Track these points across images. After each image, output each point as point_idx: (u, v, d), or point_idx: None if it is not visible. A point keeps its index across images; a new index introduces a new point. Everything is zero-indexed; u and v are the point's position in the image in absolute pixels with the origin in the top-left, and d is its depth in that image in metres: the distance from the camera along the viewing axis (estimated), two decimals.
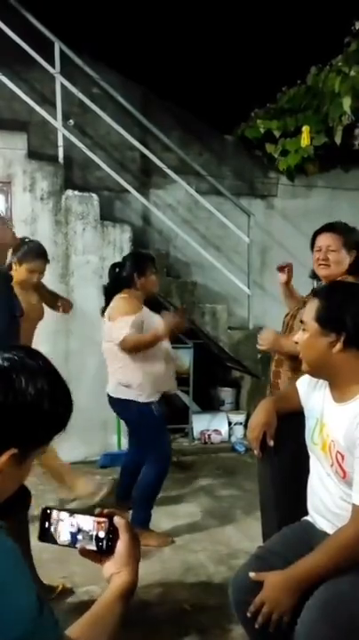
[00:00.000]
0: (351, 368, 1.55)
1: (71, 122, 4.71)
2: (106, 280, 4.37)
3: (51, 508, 1.06)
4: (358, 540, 1.48)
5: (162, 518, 3.34)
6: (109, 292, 3.18)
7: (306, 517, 1.77)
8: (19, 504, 2.12)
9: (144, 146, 4.89)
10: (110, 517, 1.04)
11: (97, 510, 1.07)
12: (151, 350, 3.00)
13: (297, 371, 2.21)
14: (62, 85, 4.57)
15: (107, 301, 3.16)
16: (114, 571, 1.02)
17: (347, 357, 1.54)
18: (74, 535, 1.04)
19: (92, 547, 1.04)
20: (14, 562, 0.88)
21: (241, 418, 4.91)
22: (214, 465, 4.25)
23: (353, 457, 1.51)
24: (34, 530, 1.30)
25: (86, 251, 4.42)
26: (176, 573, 2.74)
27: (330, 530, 1.62)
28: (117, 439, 4.49)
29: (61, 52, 4.57)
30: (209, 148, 5.50)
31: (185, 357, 4.76)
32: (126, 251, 4.50)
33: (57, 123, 4.52)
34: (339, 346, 1.53)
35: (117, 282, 3.14)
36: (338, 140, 3.89)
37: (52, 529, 1.05)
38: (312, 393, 1.74)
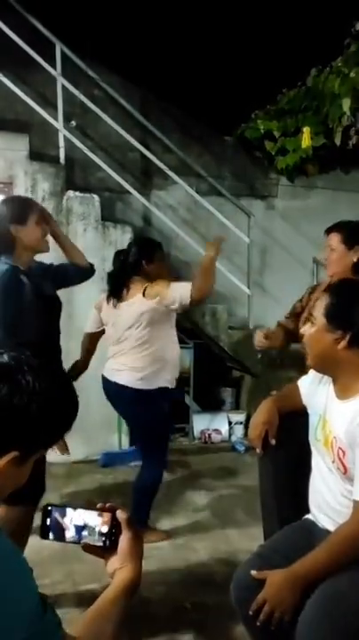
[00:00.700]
0: (354, 365, 1.58)
1: (73, 123, 4.73)
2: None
3: (52, 505, 1.05)
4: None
5: (162, 517, 3.36)
6: (115, 280, 3.00)
7: (307, 516, 1.79)
8: (31, 495, 2.11)
9: (145, 147, 4.92)
10: (113, 512, 1.04)
11: (99, 505, 1.06)
12: (172, 336, 2.96)
13: None
14: (63, 87, 4.59)
15: (114, 288, 2.98)
16: (117, 566, 1.02)
17: (352, 355, 1.57)
18: (76, 531, 1.03)
19: (96, 542, 1.03)
20: (16, 564, 0.87)
21: (241, 417, 4.93)
22: (214, 464, 4.26)
23: (354, 453, 1.53)
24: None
25: (87, 251, 4.35)
26: (176, 572, 2.75)
27: (331, 527, 1.64)
28: (118, 438, 4.50)
29: (62, 53, 4.60)
30: (209, 150, 5.52)
31: (185, 357, 4.77)
32: None
33: (58, 124, 4.54)
34: (344, 343, 1.56)
35: (123, 269, 2.96)
36: (337, 141, 3.91)
37: (54, 526, 1.04)
38: (316, 390, 1.76)
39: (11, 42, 4.34)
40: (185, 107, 5.27)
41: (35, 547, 2.13)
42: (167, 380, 2.99)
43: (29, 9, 4.51)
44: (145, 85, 5.21)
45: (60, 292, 4.01)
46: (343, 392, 1.62)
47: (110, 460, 4.25)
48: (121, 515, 1.04)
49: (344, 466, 1.56)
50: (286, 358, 5.48)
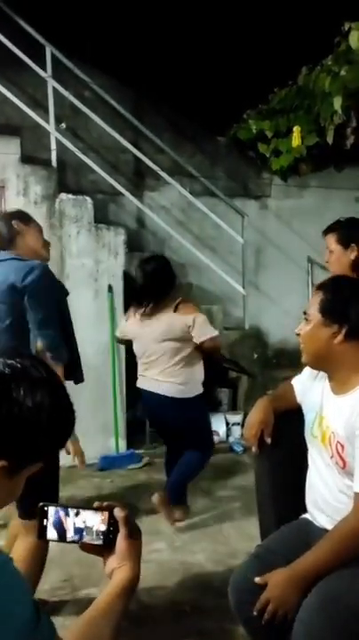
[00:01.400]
0: (351, 359, 1.58)
1: (63, 125, 4.71)
2: (101, 283, 4.43)
3: (48, 505, 1.03)
4: None
5: (160, 519, 3.34)
6: (148, 290, 3.09)
7: (304, 515, 1.78)
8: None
9: (137, 148, 4.91)
10: (110, 510, 1.02)
11: (96, 504, 1.04)
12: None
13: None
14: (54, 89, 4.58)
15: (147, 298, 3.07)
16: (115, 565, 1.00)
17: (348, 349, 1.57)
18: (74, 531, 1.01)
19: (93, 541, 1.01)
20: (9, 576, 0.85)
21: (238, 418, 4.92)
22: (212, 465, 4.22)
23: (352, 447, 1.52)
24: None
25: (81, 254, 4.42)
26: (175, 574, 2.74)
27: (329, 525, 1.63)
28: (115, 442, 4.48)
29: (52, 55, 4.58)
30: (202, 150, 5.52)
31: None
32: (121, 254, 4.51)
33: (49, 126, 4.53)
34: (340, 337, 1.57)
35: (160, 285, 3.07)
36: (329, 139, 3.90)
37: (51, 526, 1.02)
38: (310, 388, 1.76)
39: (1, 44, 4.33)
40: (177, 107, 5.26)
41: None
42: (201, 383, 3.20)
43: (19, 11, 4.49)
44: (136, 86, 5.20)
45: None
46: (339, 387, 1.62)
47: (108, 463, 4.23)
48: (118, 513, 1.01)
49: (343, 460, 1.56)
50: (283, 359, 5.49)
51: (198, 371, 3.17)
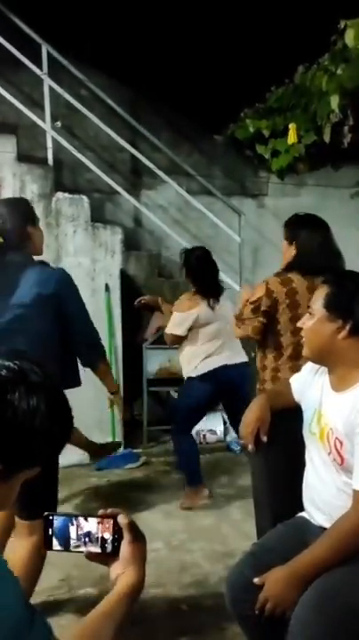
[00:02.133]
0: (353, 355, 1.58)
1: (58, 124, 4.70)
2: (98, 282, 4.42)
3: (53, 515, 1.03)
4: None
5: (157, 518, 3.34)
6: (213, 279, 3.51)
7: (301, 513, 1.77)
8: (47, 506, 2.07)
9: (133, 147, 4.90)
10: (114, 517, 1.02)
11: (100, 512, 1.04)
12: None
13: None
14: (50, 87, 4.56)
15: (217, 288, 3.49)
16: (120, 571, 1.00)
17: (351, 344, 1.57)
18: (79, 540, 1.01)
19: (98, 549, 1.01)
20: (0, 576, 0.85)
21: None
22: (209, 464, 4.23)
23: (352, 444, 1.52)
24: None
25: (77, 253, 4.41)
26: (172, 573, 2.73)
27: (326, 523, 1.62)
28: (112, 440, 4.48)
29: (49, 54, 4.57)
30: (199, 149, 5.51)
31: (178, 358, 4.75)
32: (118, 252, 4.51)
33: (46, 125, 4.52)
34: (344, 332, 1.56)
35: (215, 270, 3.59)
36: (326, 138, 3.90)
37: (57, 535, 1.02)
38: (309, 385, 1.75)
39: None
40: (174, 106, 5.25)
41: None
42: None
43: (15, 10, 4.48)
44: (133, 85, 5.19)
45: None
46: (339, 383, 1.61)
47: (105, 463, 4.22)
48: (122, 520, 1.01)
49: (341, 457, 1.55)
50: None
51: None
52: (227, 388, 3.53)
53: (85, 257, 4.42)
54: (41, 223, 4.32)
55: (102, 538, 1.01)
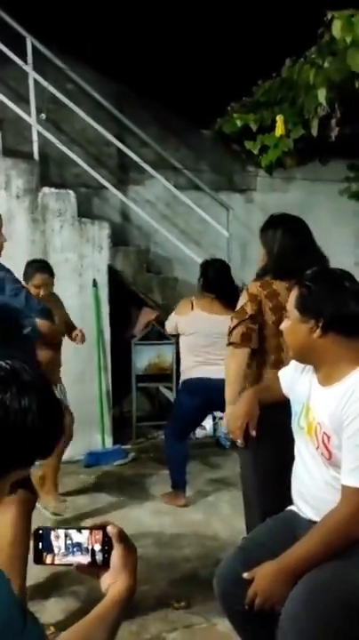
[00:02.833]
0: (333, 352, 1.57)
1: (43, 116, 4.65)
2: (85, 278, 4.39)
3: (43, 528, 1.03)
4: (349, 521, 1.47)
5: (147, 514, 3.33)
6: (229, 289, 3.43)
7: (290, 507, 1.77)
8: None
9: (120, 141, 4.86)
10: (103, 528, 1.01)
11: (89, 523, 1.04)
12: None
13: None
14: (36, 81, 4.51)
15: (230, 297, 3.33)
16: (110, 581, 0.99)
17: (328, 342, 1.56)
18: (69, 553, 1.01)
19: (88, 560, 1.01)
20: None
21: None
22: (199, 460, 4.23)
23: (339, 438, 1.51)
24: None
25: (64, 249, 4.37)
26: (162, 570, 2.72)
27: (314, 517, 1.62)
28: (101, 438, 4.46)
29: (34, 47, 4.51)
30: (186, 143, 5.48)
31: (167, 353, 4.74)
32: (105, 248, 4.47)
33: (31, 119, 4.46)
34: (318, 331, 1.56)
35: (231, 281, 3.57)
36: (314, 131, 3.89)
37: (47, 549, 1.01)
38: (298, 380, 1.74)
39: None
40: (160, 99, 5.21)
41: None
42: None
43: None
44: (119, 78, 5.15)
45: None
46: (326, 379, 1.61)
47: (94, 459, 4.20)
48: (112, 530, 1.01)
49: (329, 451, 1.55)
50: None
51: None
52: (216, 401, 3.53)
53: (73, 252, 4.38)
54: (27, 218, 4.35)
55: (92, 549, 1.01)
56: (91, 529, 1.02)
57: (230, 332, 2.25)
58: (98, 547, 1.01)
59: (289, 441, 1.75)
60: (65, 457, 4.10)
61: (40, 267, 3.38)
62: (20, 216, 4.27)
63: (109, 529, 1.01)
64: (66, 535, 1.02)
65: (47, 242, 4.32)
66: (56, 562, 1.01)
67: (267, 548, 1.64)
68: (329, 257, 2.35)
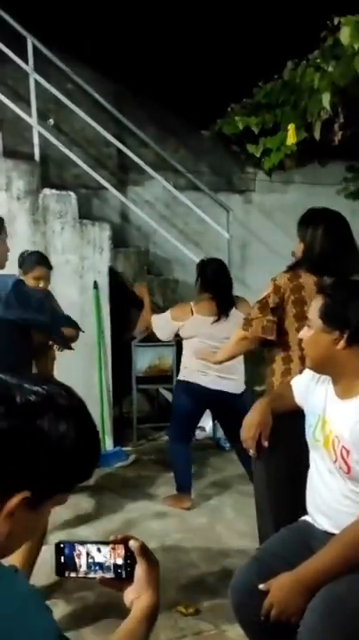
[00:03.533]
0: (355, 364, 1.57)
1: (51, 122, 4.63)
2: (86, 280, 4.38)
3: (64, 542, 1.03)
4: None
5: (151, 517, 3.33)
6: (227, 294, 3.48)
7: (303, 517, 1.77)
8: None
9: (120, 142, 4.84)
10: (125, 543, 1.02)
11: (111, 538, 1.04)
12: None
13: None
14: (36, 81, 4.48)
15: (228, 302, 3.45)
16: (134, 596, 1.00)
17: (351, 354, 1.56)
18: (91, 566, 1.01)
19: (111, 575, 1.01)
20: (34, 607, 0.83)
21: None
22: (200, 462, 4.24)
23: (358, 453, 1.51)
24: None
25: (65, 250, 4.35)
26: (169, 574, 2.72)
27: (329, 528, 1.62)
28: (102, 439, 4.45)
29: (34, 47, 4.48)
30: (186, 144, 5.48)
31: (168, 355, 4.74)
32: (106, 250, 4.46)
33: (32, 120, 4.43)
34: (342, 343, 1.55)
35: (230, 285, 3.56)
36: (317, 135, 3.90)
37: (69, 563, 1.02)
38: (313, 390, 1.74)
39: None
40: (160, 100, 5.19)
41: None
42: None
43: None
44: (119, 79, 5.12)
45: None
46: (344, 392, 1.61)
47: None
48: (134, 544, 1.01)
49: (348, 465, 1.55)
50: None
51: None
52: (210, 406, 3.62)
53: (73, 254, 4.37)
54: (28, 220, 4.33)
55: (115, 564, 1.01)
56: (113, 543, 1.02)
57: (249, 321, 2.23)
58: (120, 561, 1.01)
59: (302, 450, 1.75)
60: None
61: (40, 259, 3.38)
62: (21, 217, 4.25)
63: (131, 543, 1.02)
64: (88, 553, 1.02)
65: (48, 243, 4.30)
66: (78, 575, 1.02)
67: (282, 559, 1.65)
68: None
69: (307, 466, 1.76)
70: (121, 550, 1.01)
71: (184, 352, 3.63)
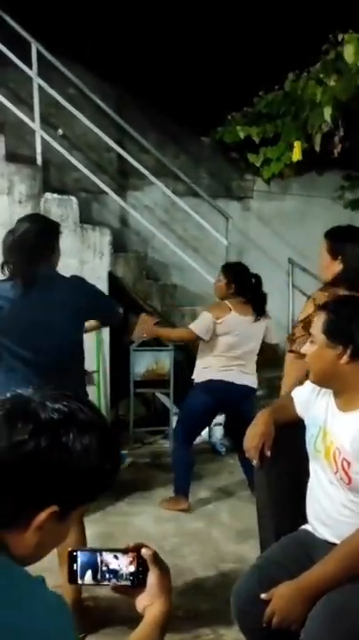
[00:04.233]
0: (357, 378, 1.61)
1: (60, 132, 4.66)
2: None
3: (78, 550, 1.06)
4: None
5: (149, 521, 3.37)
6: (260, 296, 3.61)
7: (304, 526, 1.82)
8: None
9: (121, 147, 4.88)
10: (138, 550, 1.05)
11: (124, 546, 1.08)
12: None
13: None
14: (38, 86, 4.51)
15: (262, 304, 3.58)
16: (146, 603, 1.03)
17: (354, 368, 1.60)
18: (104, 574, 1.04)
19: (124, 582, 1.04)
20: (64, 618, 0.87)
21: (220, 419, 4.93)
22: (196, 467, 4.27)
23: None
24: None
25: (65, 254, 4.31)
26: None
27: (330, 537, 1.67)
28: None
29: (37, 52, 4.51)
30: (185, 150, 5.52)
31: (165, 360, 4.78)
32: (106, 254, 4.50)
33: (35, 125, 4.46)
34: (345, 357, 1.59)
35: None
36: (317, 147, 3.97)
37: (82, 570, 1.04)
38: (314, 402, 1.78)
39: None
40: (161, 106, 5.24)
41: None
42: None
43: (3, 7, 4.40)
44: (120, 85, 5.16)
45: None
46: (346, 404, 1.65)
47: None
48: (146, 552, 1.05)
49: (349, 476, 1.59)
50: (265, 359, 5.54)
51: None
52: (227, 405, 3.65)
53: (74, 258, 4.39)
54: None
55: (127, 571, 1.04)
56: (126, 551, 1.05)
57: (294, 340, 2.30)
58: (132, 568, 1.04)
59: (303, 460, 1.79)
60: None
61: None
62: None
63: (144, 551, 1.05)
64: (102, 561, 1.04)
65: None
66: (91, 582, 1.05)
67: (283, 567, 1.69)
68: None
69: (307, 475, 1.80)
70: (133, 558, 1.04)
71: (203, 353, 3.59)
